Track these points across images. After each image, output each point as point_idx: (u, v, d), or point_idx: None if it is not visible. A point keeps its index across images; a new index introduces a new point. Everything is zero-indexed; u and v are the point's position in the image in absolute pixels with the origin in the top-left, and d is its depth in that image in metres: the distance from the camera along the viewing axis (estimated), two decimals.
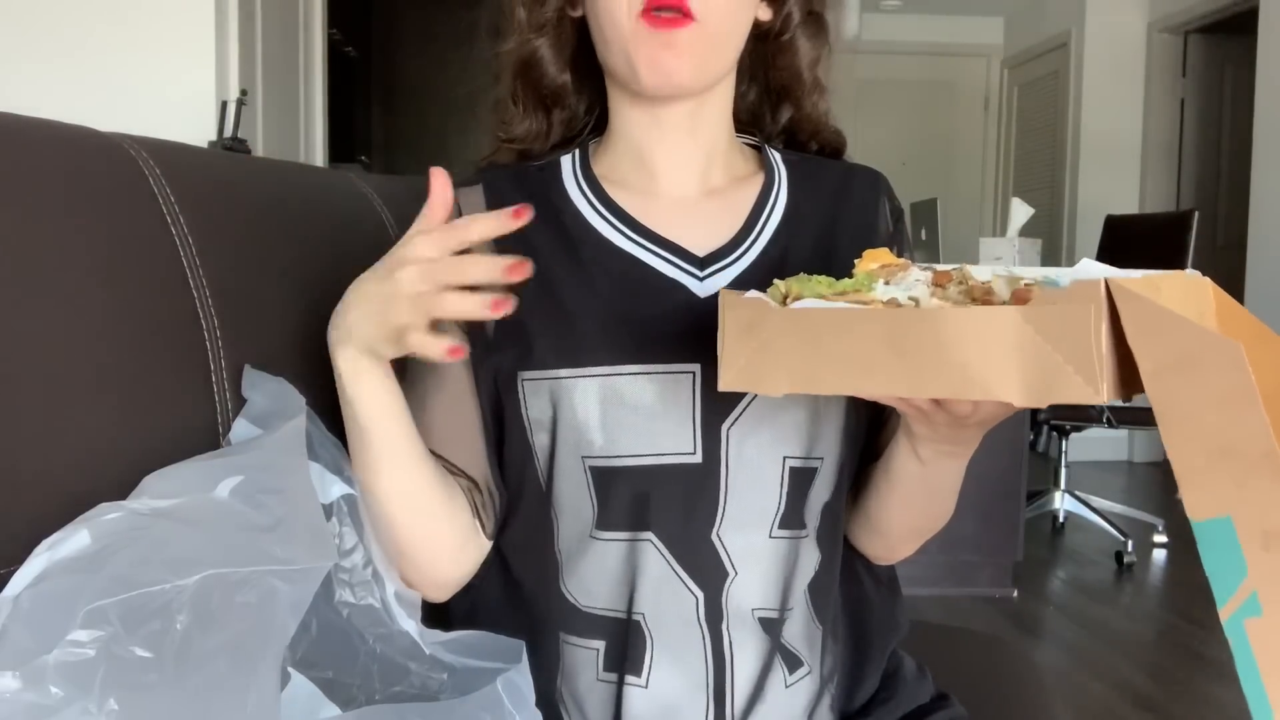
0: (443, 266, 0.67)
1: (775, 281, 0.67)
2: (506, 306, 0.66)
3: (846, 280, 0.65)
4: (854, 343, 0.61)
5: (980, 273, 0.63)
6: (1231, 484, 0.53)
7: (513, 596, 0.86)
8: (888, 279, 0.64)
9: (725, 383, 0.65)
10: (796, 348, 0.63)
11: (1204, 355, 0.53)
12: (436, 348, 0.68)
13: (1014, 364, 0.56)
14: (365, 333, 0.71)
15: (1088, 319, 0.54)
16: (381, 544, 0.78)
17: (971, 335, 0.57)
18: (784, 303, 0.65)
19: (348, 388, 0.74)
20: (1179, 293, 0.59)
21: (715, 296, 0.81)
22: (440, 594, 0.84)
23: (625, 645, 0.80)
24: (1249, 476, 0.52)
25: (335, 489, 0.74)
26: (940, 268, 0.66)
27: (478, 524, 0.84)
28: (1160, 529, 3.76)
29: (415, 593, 0.76)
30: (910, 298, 0.62)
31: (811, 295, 0.64)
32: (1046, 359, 0.55)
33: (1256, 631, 0.53)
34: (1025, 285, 0.59)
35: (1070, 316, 0.55)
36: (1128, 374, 0.56)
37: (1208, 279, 0.65)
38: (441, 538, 0.82)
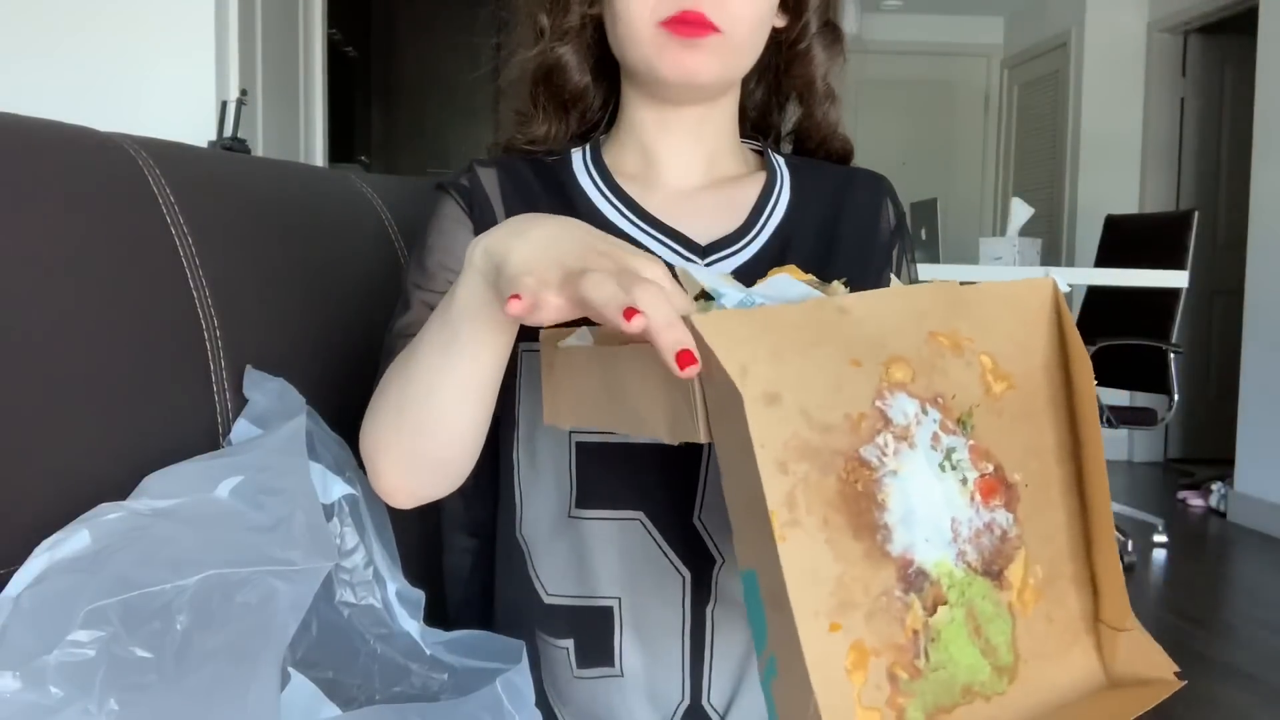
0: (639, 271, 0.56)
1: None
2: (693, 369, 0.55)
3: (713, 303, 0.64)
4: (591, 382, 0.61)
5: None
6: (753, 539, 0.49)
7: (492, 589, 0.86)
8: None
9: (544, 417, 0.66)
10: (570, 385, 0.64)
11: (728, 401, 0.49)
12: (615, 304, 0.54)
13: (661, 399, 0.54)
14: (536, 256, 0.60)
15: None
16: (423, 459, 0.73)
17: (636, 372, 0.56)
18: None
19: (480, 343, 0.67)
20: (904, 309, 0.55)
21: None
22: (414, 501, 0.78)
23: (593, 638, 0.80)
24: (759, 534, 0.49)
25: (337, 489, 0.74)
26: (819, 283, 0.64)
27: None
28: (1160, 529, 3.76)
29: (417, 592, 0.76)
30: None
31: None
32: (676, 395, 0.53)
33: (778, 694, 0.49)
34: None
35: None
36: None
37: (1052, 280, 0.60)
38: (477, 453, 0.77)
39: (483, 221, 0.84)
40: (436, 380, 0.70)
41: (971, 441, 0.55)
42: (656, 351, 0.51)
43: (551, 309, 0.58)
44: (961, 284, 0.59)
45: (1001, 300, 0.59)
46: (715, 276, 0.61)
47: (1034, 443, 0.58)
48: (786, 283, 0.59)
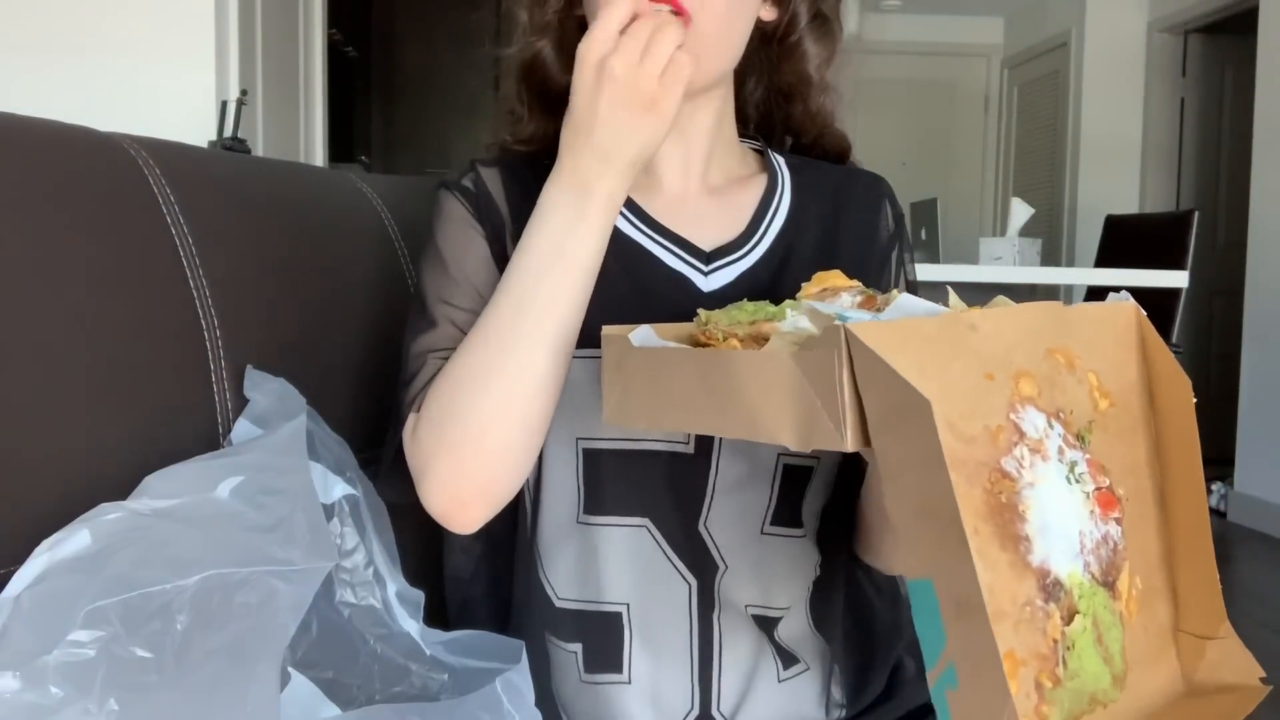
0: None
1: (699, 311, 0.68)
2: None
3: (771, 308, 0.65)
4: (682, 383, 0.61)
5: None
6: (931, 547, 0.50)
7: (498, 592, 0.86)
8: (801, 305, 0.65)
9: (605, 417, 0.66)
10: (648, 385, 0.64)
11: (906, 410, 0.50)
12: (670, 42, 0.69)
13: (787, 406, 0.55)
14: (620, 143, 0.71)
15: (833, 364, 0.52)
16: (508, 430, 0.74)
17: (755, 377, 0.56)
18: (698, 332, 0.66)
19: (598, 220, 0.73)
20: (1025, 325, 0.57)
21: (718, 292, 0.81)
22: (486, 513, 0.78)
23: (602, 643, 0.80)
24: (942, 541, 0.49)
25: (338, 489, 0.74)
26: (870, 292, 0.66)
27: None
28: None
29: (417, 592, 0.76)
30: (800, 330, 0.61)
31: (729, 323, 0.65)
32: (809, 402, 0.54)
33: (955, 704, 0.50)
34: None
35: (822, 361, 0.53)
36: None
37: (1132, 303, 0.63)
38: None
39: (490, 223, 0.83)
40: (566, 301, 0.73)
41: (1088, 456, 0.57)
42: None
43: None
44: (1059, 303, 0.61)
45: (1096, 321, 0.62)
46: (838, 308, 0.62)
47: (1130, 458, 0.61)
48: (911, 302, 0.59)
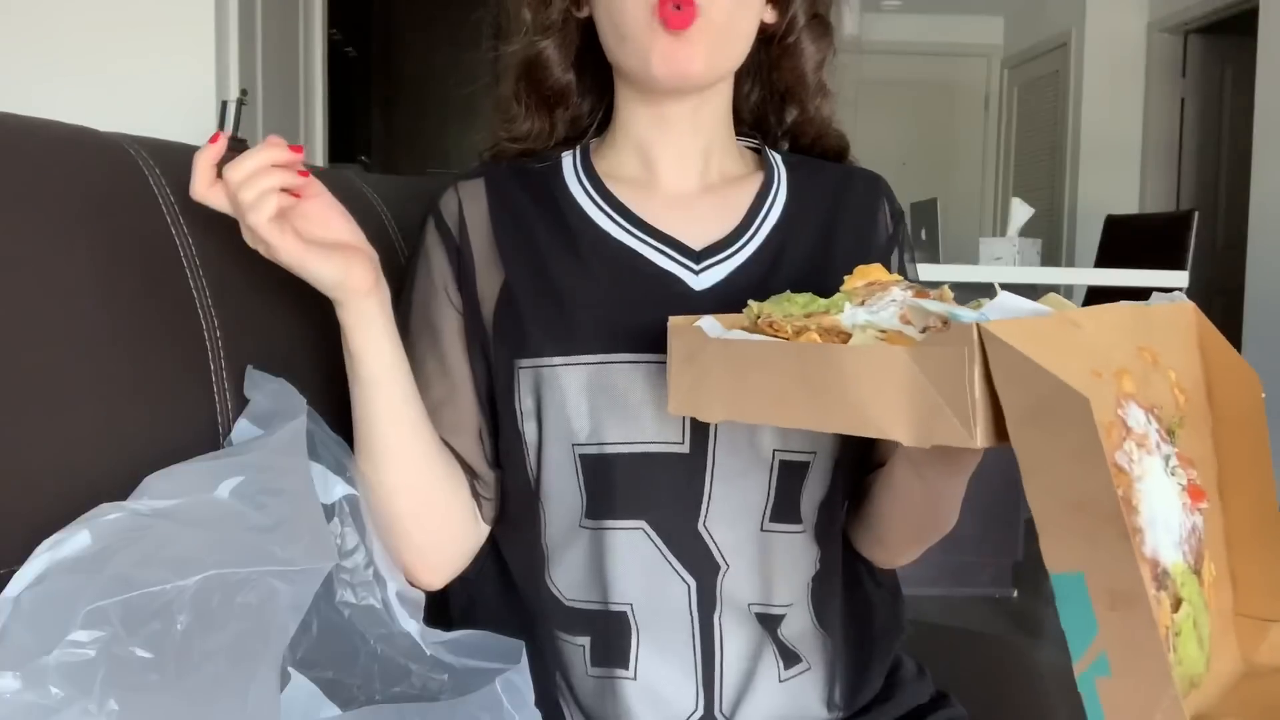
0: (242, 188, 0.70)
1: (750, 303, 0.68)
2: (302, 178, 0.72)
3: (821, 300, 0.66)
4: (772, 376, 0.62)
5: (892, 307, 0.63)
6: (1083, 540, 0.51)
7: (507, 591, 0.86)
8: (864, 299, 0.65)
9: (673, 407, 0.68)
10: (727, 378, 0.65)
11: (1057, 407, 0.51)
12: (262, 224, 0.70)
13: (903, 403, 0.56)
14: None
15: (962, 362, 0.54)
16: (386, 520, 0.79)
17: (867, 373, 0.58)
18: (755, 323, 0.67)
19: (357, 337, 0.77)
20: (1117, 324, 0.59)
21: (710, 290, 0.82)
22: (436, 579, 0.85)
23: (610, 639, 0.80)
24: (1098, 534, 0.51)
25: (338, 489, 0.74)
26: (920, 287, 0.66)
27: (475, 507, 0.86)
28: None
29: (418, 592, 0.76)
30: (866, 323, 0.62)
31: (783, 315, 0.65)
32: (930, 400, 0.55)
33: (1106, 692, 0.52)
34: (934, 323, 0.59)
35: (948, 359, 0.54)
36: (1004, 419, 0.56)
37: (1191, 303, 0.66)
38: (448, 509, 0.83)
39: (462, 259, 0.85)
40: (370, 415, 0.79)
41: (1177, 449, 0.59)
42: None
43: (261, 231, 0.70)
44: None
45: (1167, 320, 0.64)
46: (942, 305, 0.62)
47: (1201, 450, 0.63)
48: (1011, 300, 0.60)
